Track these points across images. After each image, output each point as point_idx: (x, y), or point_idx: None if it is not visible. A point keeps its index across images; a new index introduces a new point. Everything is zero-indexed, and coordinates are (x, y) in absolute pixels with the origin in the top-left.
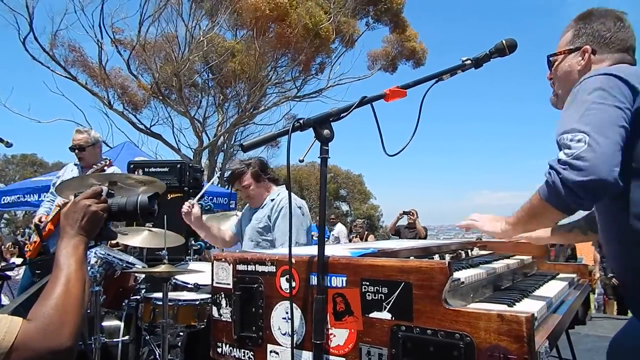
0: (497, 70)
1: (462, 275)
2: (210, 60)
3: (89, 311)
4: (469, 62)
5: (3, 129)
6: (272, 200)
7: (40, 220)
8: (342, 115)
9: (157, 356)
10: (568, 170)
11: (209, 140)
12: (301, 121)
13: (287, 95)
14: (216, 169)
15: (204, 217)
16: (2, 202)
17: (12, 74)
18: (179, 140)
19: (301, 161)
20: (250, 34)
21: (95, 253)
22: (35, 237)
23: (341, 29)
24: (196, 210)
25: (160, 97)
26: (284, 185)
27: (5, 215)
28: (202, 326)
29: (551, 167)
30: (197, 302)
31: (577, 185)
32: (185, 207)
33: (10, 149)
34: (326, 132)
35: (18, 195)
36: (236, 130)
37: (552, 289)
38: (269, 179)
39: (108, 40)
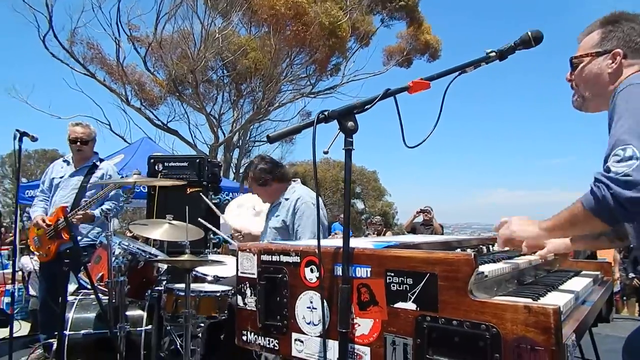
0: (516, 70)
1: (486, 269)
2: (225, 57)
3: (114, 301)
4: (493, 54)
5: (25, 125)
6: (287, 199)
7: (43, 221)
8: (366, 107)
9: (178, 346)
10: (620, 186)
11: (225, 136)
12: (326, 113)
13: (302, 92)
14: (231, 165)
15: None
16: (26, 196)
17: (33, 71)
18: (195, 137)
19: (325, 153)
20: (265, 30)
21: (119, 244)
22: (34, 240)
23: (357, 27)
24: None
25: (177, 94)
26: (298, 181)
27: (27, 209)
28: (223, 317)
29: (600, 181)
30: (218, 294)
31: (629, 201)
32: None
33: (31, 144)
34: (350, 124)
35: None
36: (251, 127)
37: (576, 284)
38: (276, 180)
39: (125, 38)
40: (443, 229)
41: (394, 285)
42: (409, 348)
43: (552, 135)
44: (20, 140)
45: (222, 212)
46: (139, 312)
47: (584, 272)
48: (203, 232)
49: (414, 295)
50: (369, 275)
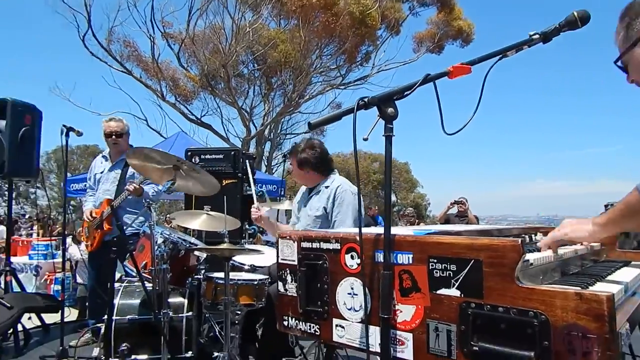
0: (551, 60)
1: (531, 257)
2: (255, 50)
3: (157, 288)
4: (536, 36)
5: (69, 122)
6: (327, 187)
7: (91, 214)
8: (405, 93)
9: (217, 332)
10: None
11: (256, 129)
12: (365, 99)
13: (332, 84)
14: (263, 157)
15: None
16: (71, 189)
17: (75, 70)
18: (227, 130)
19: (365, 139)
20: (295, 22)
21: (161, 233)
22: (80, 229)
23: (387, 15)
24: (264, 213)
25: (209, 89)
26: (336, 172)
27: (72, 202)
28: (261, 305)
29: None
30: (256, 282)
31: None
32: (254, 214)
33: (74, 140)
34: (390, 110)
35: (85, 183)
36: (282, 119)
37: (625, 275)
38: (315, 170)
39: (159, 35)
40: (478, 221)
41: (436, 272)
42: (453, 334)
43: (598, 125)
44: (67, 135)
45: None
46: (179, 299)
47: (633, 263)
48: (239, 222)
49: (458, 282)
50: (410, 261)
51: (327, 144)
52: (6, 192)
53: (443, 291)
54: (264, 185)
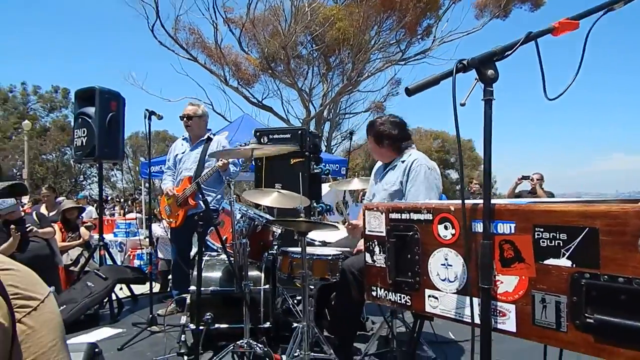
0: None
1: None
2: (313, 30)
3: (238, 261)
4: None
5: (140, 109)
6: (403, 162)
7: (170, 191)
8: (507, 53)
9: (290, 305)
10: None
11: (316, 110)
12: (465, 62)
13: (391, 60)
14: (323, 138)
15: (326, 186)
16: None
17: (146, 61)
18: (287, 112)
19: (463, 105)
20: None
21: (239, 209)
22: (165, 209)
23: None
24: (357, 222)
25: (270, 71)
26: (414, 146)
27: (146, 184)
28: (335, 280)
29: None
30: (330, 257)
31: None
32: (353, 226)
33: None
34: (490, 72)
35: (160, 166)
36: (341, 100)
37: None
38: (392, 147)
39: (221, 21)
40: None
41: (543, 241)
42: (563, 306)
43: None
44: (149, 118)
45: (324, 182)
46: (256, 272)
47: None
48: (308, 200)
49: (569, 251)
50: (512, 231)
51: None
52: (91, 176)
53: (551, 261)
54: (326, 165)
